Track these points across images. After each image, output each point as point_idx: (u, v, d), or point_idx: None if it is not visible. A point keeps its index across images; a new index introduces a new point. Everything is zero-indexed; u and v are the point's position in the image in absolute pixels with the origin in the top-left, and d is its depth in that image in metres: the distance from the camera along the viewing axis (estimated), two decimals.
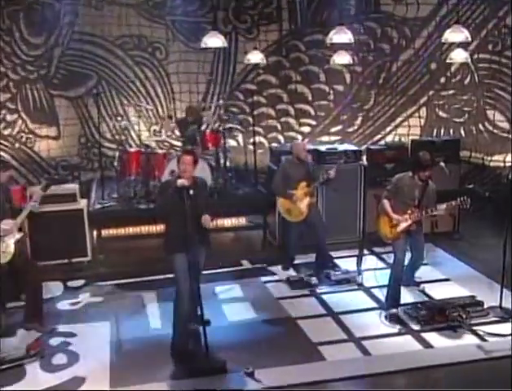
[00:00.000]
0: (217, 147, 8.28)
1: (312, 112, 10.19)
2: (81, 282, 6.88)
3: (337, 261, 7.31)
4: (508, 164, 9.44)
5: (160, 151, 8.36)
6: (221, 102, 8.91)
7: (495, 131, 9.61)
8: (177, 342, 5.40)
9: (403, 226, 6.04)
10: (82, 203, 7.47)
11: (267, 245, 7.93)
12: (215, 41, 7.99)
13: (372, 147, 8.90)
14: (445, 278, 6.88)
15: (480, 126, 9.77)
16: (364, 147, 8.88)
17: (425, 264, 6.88)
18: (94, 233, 7.59)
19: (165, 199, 5.24)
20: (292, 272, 7.07)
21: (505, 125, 9.50)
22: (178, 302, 5.37)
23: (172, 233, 5.34)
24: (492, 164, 9.67)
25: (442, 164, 6.26)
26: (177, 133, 9.21)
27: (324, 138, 10.10)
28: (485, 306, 6.01)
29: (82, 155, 9.70)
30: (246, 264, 7.38)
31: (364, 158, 8.28)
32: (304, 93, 10.13)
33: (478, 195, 7.90)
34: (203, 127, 8.70)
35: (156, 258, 7.23)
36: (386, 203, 6.14)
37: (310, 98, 10.15)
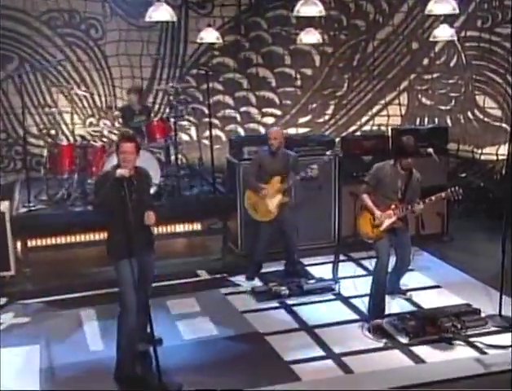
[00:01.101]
0: (166, 138, 8.15)
1: (277, 101, 10.20)
2: (2, 300, 6.66)
3: (309, 269, 7.35)
4: (501, 158, 9.62)
5: (98, 144, 8.16)
6: (170, 85, 8.78)
7: (485, 119, 9.82)
8: (122, 365, 5.25)
9: (386, 223, 6.05)
10: (3, 205, 7.20)
11: (227, 253, 7.89)
12: (162, 14, 7.86)
13: (347, 136, 8.96)
14: (435, 285, 6.94)
15: (469, 114, 9.96)
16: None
17: (412, 269, 6.93)
18: (19, 242, 7.33)
19: (103, 195, 5.09)
20: (257, 282, 7.05)
21: (497, 113, 9.71)
22: (123, 317, 5.23)
23: (114, 235, 5.21)
24: (482, 157, 9.86)
25: (430, 150, 6.29)
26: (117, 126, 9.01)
27: (291, 131, 10.09)
28: (482, 315, 6.06)
29: (2, 153, 9.39)
30: (203, 274, 7.34)
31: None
32: (267, 78, 10.14)
33: (472, 187, 8.01)
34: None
35: (95, 270, 7.18)
36: (365, 197, 6.14)
37: (273, 84, 10.16)
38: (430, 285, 6.94)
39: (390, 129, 9.20)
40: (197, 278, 7.21)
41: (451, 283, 6.92)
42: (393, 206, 6.05)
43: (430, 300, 6.50)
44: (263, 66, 10.10)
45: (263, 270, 7.23)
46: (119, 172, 5.04)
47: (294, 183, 6.96)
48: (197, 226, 8.00)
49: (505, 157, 9.57)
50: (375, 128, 10.10)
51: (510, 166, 8.81)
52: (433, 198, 6.07)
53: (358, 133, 9.92)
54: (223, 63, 10.02)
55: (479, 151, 9.87)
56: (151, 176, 5.56)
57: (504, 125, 9.66)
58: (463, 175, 8.18)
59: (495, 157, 9.75)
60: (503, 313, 6.06)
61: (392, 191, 6.05)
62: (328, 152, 7.18)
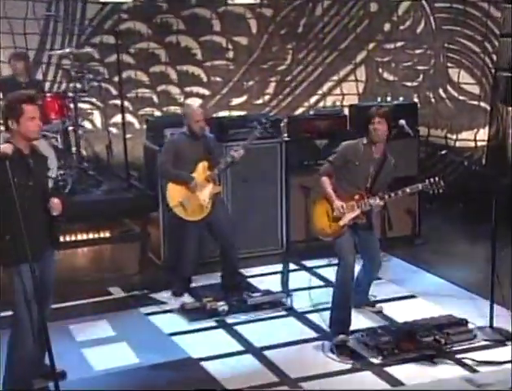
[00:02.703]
0: (64, 119, 8.05)
1: (204, 77, 10.20)
2: None
3: (252, 281, 7.44)
4: (480, 144, 9.89)
5: None
6: (68, 51, 8.61)
7: (461, 98, 10.08)
8: None
9: (348, 217, 6.09)
10: None
11: (147, 265, 7.88)
12: None
13: (296, 116, 9.05)
14: (409, 295, 7.10)
15: (440, 91, 10.20)
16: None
17: (379, 278, 7.06)
18: None
19: None
20: (187, 298, 7.06)
21: (475, 89, 10.00)
22: (16, 342, 5.09)
23: (2, 234, 5.00)
24: (458, 144, 10.12)
25: (402, 121, 6.38)
26: None
27: (223, 114, 10.06)
28: (470, 326, 6.18)
29: None
30: (117, 292, 7.30)
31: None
32: (190, 48, 10.10)
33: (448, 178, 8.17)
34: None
35: None
36: (325, 181, 6.16)
37: (199, 57, 10.14)
38: (403, 295, 7.07)
39: (348, 104, 9.31)
40: (109, 297, 7.17)
41: (428, 292, 7.09)
42: (357, 196, 6.08)
43: (405, 312, 6.59)
44: (186, 33, 10.06)
45: (194, 284, 7.27)
46: (3, 148, 4.85)
47: (218, 173, 7.01)
48: (107, 233, 7.93)
49: (485, 143, 9.86)
50: (331, 103, 10.24)
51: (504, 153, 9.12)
52: (407, 190, 6.13)
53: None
54: (134, 29, 9.90)
55: (454, 137, 10.12)
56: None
57: (483, 104, 9.94)
58: (443, 152, 8.33)
59: (473, 144, 10.02)
60: (495, 324, 6.18)
61: (361, 177, 6.09)
62: (258, 126, 7.17)
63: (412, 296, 7.03)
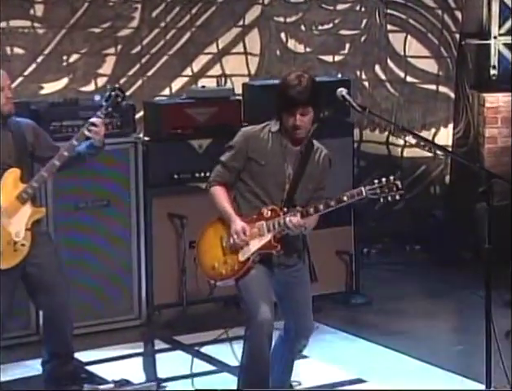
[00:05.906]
0: None
1: None
2: None
3: (95, 369, 7.52)
4: (441, 152, 10.21)
5: None
6: None
7: (410, 80, 10.45)
8: None
9: (253, 247, 6.15)
10: None
11: None
12: None
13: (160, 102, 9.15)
14: (353, 379, 7.28)
15: (378, 70, 10.52)
16: None
17: (305, 356, 7.15)
18: None
19: None
20: None
21: (430, 65, 10.41)
22: None
23: None
24: (406, 152, 10.46)
25: (342, 90, 6.49)
26: None
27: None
28: None
29: None
30: None
31: None
32: None
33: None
34: None
35: None
36: (218, 192, 6.23)
37: None
38: (344, 379, 7.29)
39: (242, 85, 9.41)
40: None
41: (381, 373, 7.36)
42: (267, 212, 6.15)
43: None
44: None
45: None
46: None
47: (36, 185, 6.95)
48: None
49: (448, 150, 10.15)
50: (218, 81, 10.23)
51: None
52: (344, 198, 6.15)
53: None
54: None
55: (401, 142, 10.43)
56: None
57: (443, 88, 10.28)
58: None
59: (430, 152, 10.38)
60: None
61: (273, 184, 6.19)
62: (104, 102, 7.15)
63: (359, 380, 7.22)
